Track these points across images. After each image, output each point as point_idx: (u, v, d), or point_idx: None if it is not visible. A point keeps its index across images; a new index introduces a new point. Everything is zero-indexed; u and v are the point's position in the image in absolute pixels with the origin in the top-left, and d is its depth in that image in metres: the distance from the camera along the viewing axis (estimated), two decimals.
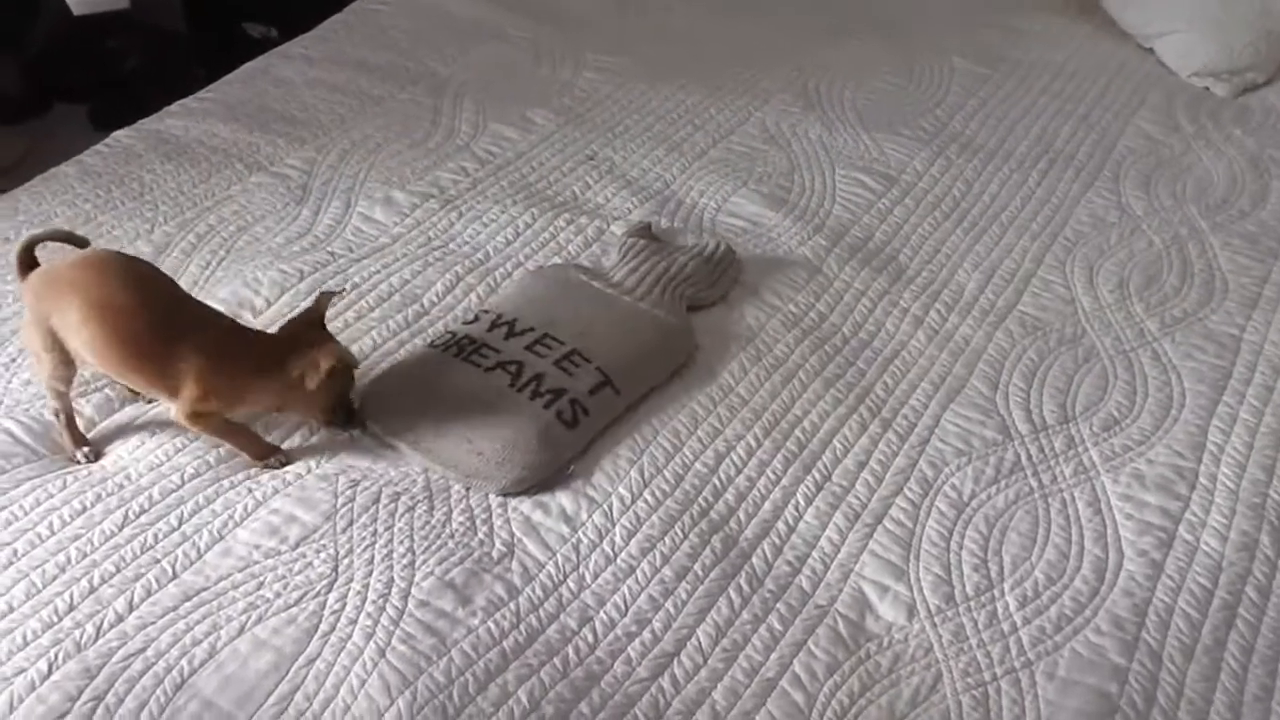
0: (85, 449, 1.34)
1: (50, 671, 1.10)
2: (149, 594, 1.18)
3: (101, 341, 1.24)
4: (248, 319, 1.53)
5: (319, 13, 2.54)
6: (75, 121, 3.27)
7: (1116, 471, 1.40)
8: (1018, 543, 1.31)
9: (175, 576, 1.20)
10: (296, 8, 3.28)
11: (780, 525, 1.31)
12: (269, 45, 2.62)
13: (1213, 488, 1.39)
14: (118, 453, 1.35)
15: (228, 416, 1.32)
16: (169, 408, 1.31)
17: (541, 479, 1.33)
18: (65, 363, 1.28)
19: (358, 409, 1.37)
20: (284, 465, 1.33)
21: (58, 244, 1.35)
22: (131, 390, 1.39)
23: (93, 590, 1.18)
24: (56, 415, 1.33)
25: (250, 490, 1.30)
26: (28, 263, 1.30)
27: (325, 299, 1.33)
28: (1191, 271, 1.76)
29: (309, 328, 1.31)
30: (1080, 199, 1.93)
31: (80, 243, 1.33)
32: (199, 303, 1.35)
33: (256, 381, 1.29)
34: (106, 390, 1.41)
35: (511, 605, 1.19)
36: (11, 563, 1.20)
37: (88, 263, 1.29)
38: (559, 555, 1.25)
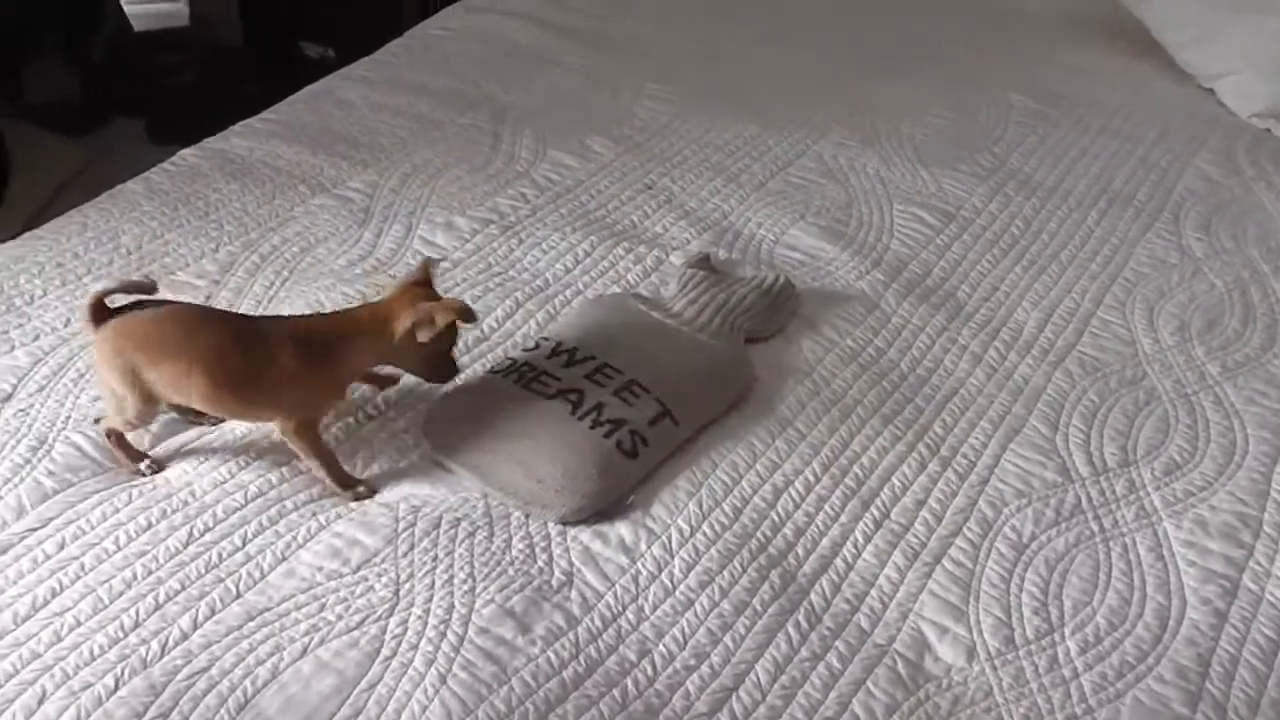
0: (146, 462, 1.36)
1: (117, 687, 1.11)
2: (213, 612, 1.19)
3: (211, 388, 1.28)
4: None
5: (376, 34, 2.58)
6: (132, 135, 3.33)
7: (1179, 517, 1.39)
8: (1079, 587, 1.30)
9: (239, 596, 1.21)
10: (353, 29, 3.33)
11: (839, 562, 1.31)
12: (326, 65, 2.66)
13: (1277, 536, 1.37)
14: (182, 468, 1.36)
15: (327, 407, 1.37)
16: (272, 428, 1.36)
17: (600, 508, 1.33)
18: (150, 406, 1.31)
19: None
20: (368, 497, 1.34)
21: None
22: (196, 416, 1.41)
23: (158, 607, 1.19)
24: (109, 435, 1.35)
25: (314, 513, 1.31)
26: (100, 311, 1.30)
27: (429, 264, 1.39)
28: (1254, 315, 1.74)
29: (416, 290, 1.35)
30: (1140, 240, 1.92)
31: (149, 289, 1.33)
32: (270, 317, 1.40)
33: (354, 347, 1.34)
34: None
35: (571, 635, 1.19)
36: (79, 577, 1.22)
37: (171, 318, 1.31)
38: (618, 586, 1.25)
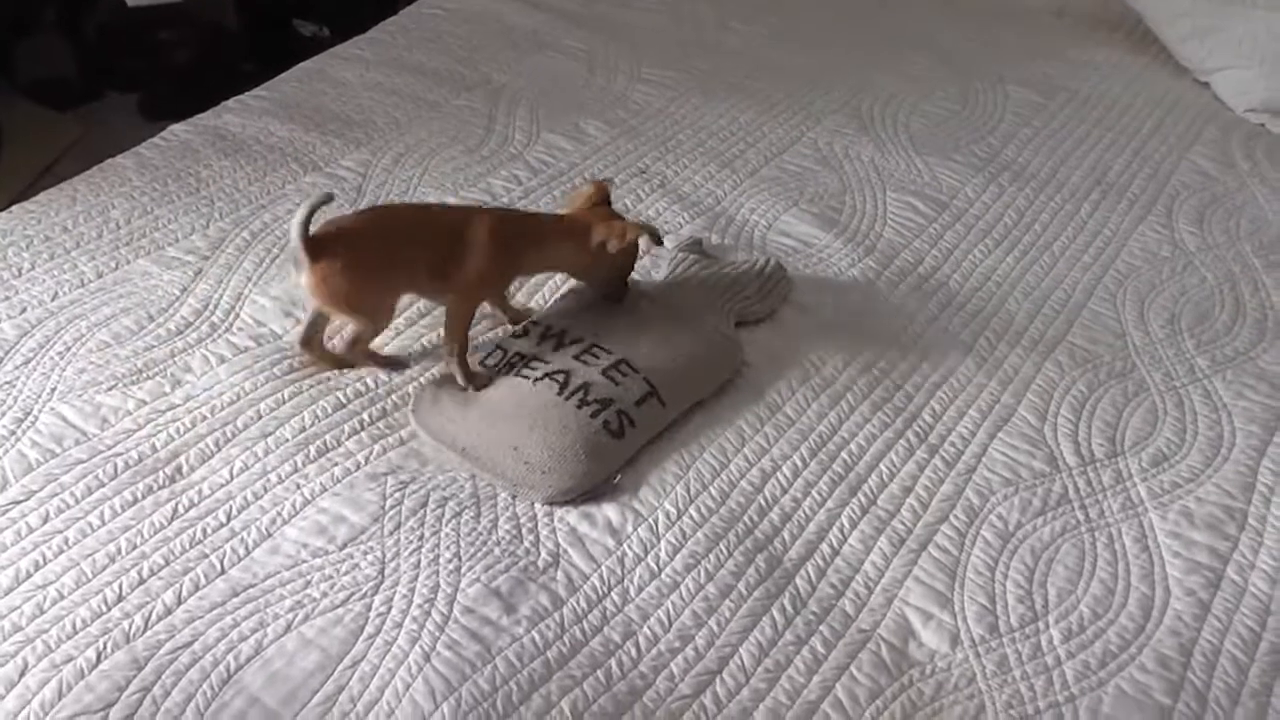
0: (395, 359, 1.49)
1: (99, 660, 1.11)
2: (197, 588, 1.19)
3: (413, 272, 1.42)
4: (300, 317, 1.54)
5: (371, 13, 2.57)
6: (126, 110, 3.32)
7: (1165, 508, 1.39)
8: (1064, 576, 1.30)
9: (223, 572, 1.21)
10: (348, 7, 3.32)
11: (824, 547, 1.31)
12: (320, 43, 2.65)
13: (1262, 529, 1.37)
14: (168, 434, 1.36)
15: (494, 294, 1.51)
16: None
17: (587, 489, 1.33)
18: (385, 302, 1.44)
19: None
20: (485, 386, 1.43)
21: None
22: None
23: (142, 581, 1.19)
24: (353, 345, 1.45)
25: (298, 486, 1.31)
26: (313, 244, 1.35)
27: (606, 184, 1.53)
28: (1244, 310, 1.74)
29: (602, 209, 1.50)
30: (1133, 232, 1.92)
31: (329, 199, 1.38)
32: (467, 207, 1.60)
33: (546, 248, 1.48)
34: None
35: (556, 615, 1.19)
36: (63, 550, 1.22)
37: (375, 217, 1.48)
38: (604, 567, 1.25)
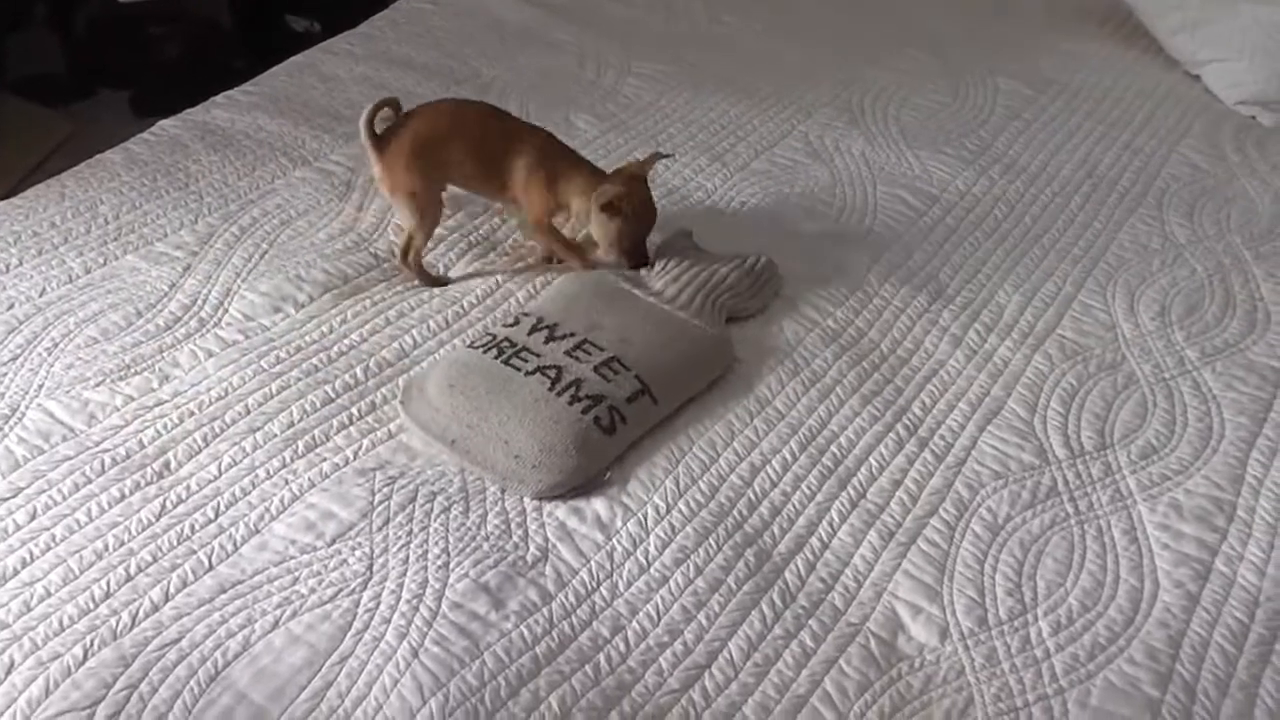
0: (438, 274, 1.65)
1: (86, 658, 1.11)
2: (185, 585, 1.18)
3: (475, 165, 1.61)
4: (289, 313, 1.55)
5: (362, 8, 2.56)
6: (117, 107, 3.31)
7: (1154, 501, 1.39)
8: (1053, 568, 1.30)
9: (211, 568, 1.20)
10: (339, 3, 3.31)
11: (814, 541, 1.31)
12: (311, 39, 2.64)
13: (1250, 521, 1.37)
14: (154, 429, 1.36)
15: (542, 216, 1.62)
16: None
17: (578, 484, 1.33)
18: (441, 208, 1.63)
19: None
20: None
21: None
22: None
23: (129, 578, 1.19)
24: (404, 255, 1.61)
25: (287, 482, 1.30)
26: (378, 137, 1.58)
27: (654, 158, 1.64)
28: (1234, 301, 1.74)
29: (632, 174, 1.60)
30: (1123, 225, 1.92)
31: (397, 103, 1.63)
32: (522, 123, 1.67)
33: (567, 187, 1.60)
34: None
35: (545, 611, 1.19)
36: (50, 547, 1.21)
37: (437, 112, 1.65)
38: (593, 562, 1.25)
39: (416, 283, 1.62)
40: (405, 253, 1.61)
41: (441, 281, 1.64)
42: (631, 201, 1.58)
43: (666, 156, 1.70)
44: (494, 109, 1.69)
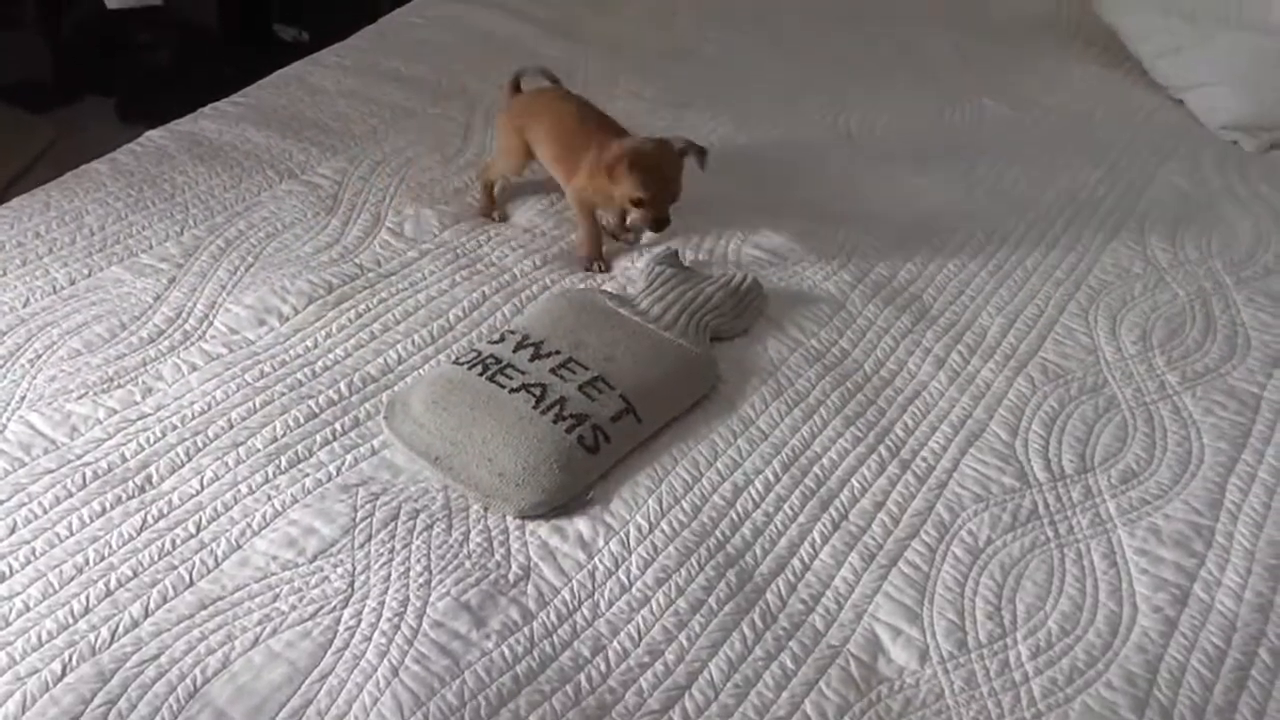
0: (497, 212, 1.86)
1: (64, 673, 1.10)
2: (165, 600, 1.18)
3: (556, 149, 1.78)
4: (274, 327, 1.54)
5: (351, 18, 2.56)
6: (104, 113, 3.30)
7: (1133, 525, 1.40)
8: (1032, 592, 1.30)
9: (191, 584, 1.20)
10: (328, 13, 3.31)
11: (795, 562, 1.31)
12: (300, 48, 2.64)
13: (1229, 546, 1.38)
14: (137, 443, 1.35)
15: (597, 196, 1.74)
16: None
17: (560, 503, 1.33)
18: (523, 160, 1.83)
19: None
20: (603, 271, 1.74)
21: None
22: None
23: (109, 594, 1.18)
24: (484, 184, 1.86)
25: (269, 498, 1.30)
26: (516, 88, 1.88)
27: (691, 148, 1.70)
28: (1215, 326, 1.76)
29: (647, 139, 1.72)
30: (1105, 248, 1.93)
31: (553, 77, 1.91)
32: (608, 120, 1.81)
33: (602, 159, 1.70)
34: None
35: (526, 630, 1.19)
36: (29, 561, 1.21)
37: (544, 96, 1.87)
38: (574, 581, 1.25)
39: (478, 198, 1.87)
40: (485, 168, 1.88)
41: (491, 214, 1.85)
42: (639, 161, 1.65)
43: (701, 152, 1.71)
44: (596, 111, 1.82)
